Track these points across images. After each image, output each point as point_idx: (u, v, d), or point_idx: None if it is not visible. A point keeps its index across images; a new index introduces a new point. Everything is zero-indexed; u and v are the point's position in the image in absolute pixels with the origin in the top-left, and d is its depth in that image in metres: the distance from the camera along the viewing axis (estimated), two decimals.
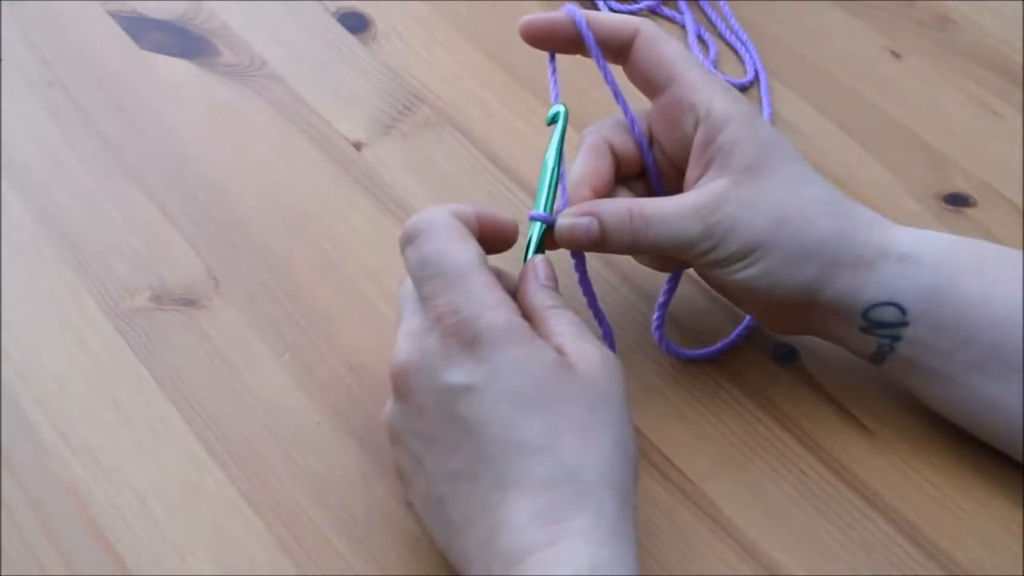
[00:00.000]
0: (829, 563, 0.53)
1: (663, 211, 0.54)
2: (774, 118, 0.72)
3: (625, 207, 0.54)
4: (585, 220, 0.54)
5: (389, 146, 0.70)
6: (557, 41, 0.57)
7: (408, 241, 0.51)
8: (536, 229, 0.54)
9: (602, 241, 0.54)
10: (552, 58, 0.58)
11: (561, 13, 0.56)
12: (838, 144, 0.71)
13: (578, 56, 0.57)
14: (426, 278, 0.49)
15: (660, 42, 0.56)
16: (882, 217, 0.56)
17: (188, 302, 0.61)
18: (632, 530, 0.47)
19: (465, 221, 0.51)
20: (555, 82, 0.58)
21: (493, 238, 0.53)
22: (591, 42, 0.56)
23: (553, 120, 0.57)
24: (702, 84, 0.55)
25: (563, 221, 0.54)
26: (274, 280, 0.63)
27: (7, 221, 0.64)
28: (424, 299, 0.49)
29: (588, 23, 0.56)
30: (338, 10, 0.77)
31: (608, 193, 0.57)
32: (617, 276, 0.63)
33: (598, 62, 0.56)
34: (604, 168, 0.57)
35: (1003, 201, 0.69)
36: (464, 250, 0.50)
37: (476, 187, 0.68)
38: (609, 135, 0.57)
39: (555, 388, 0.47)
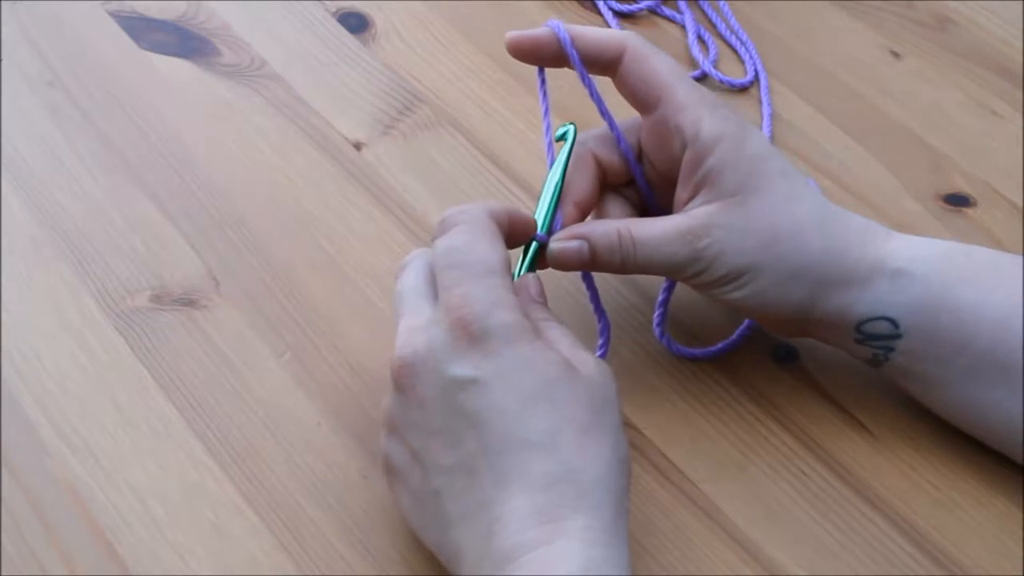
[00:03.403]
0: (829, 563, 0.53)
1: (651, 234, 0.54)
2: (774, 118, 0.72)
3: (615, 230, 0.55)
4: (575, 244, 0.55)
5: (389, 146, 0.70)
6: (543, 57, 0.57)
7: (443, 230, 0.51)
8: (531, 247, 0.55)
9: (592, 263, 0.55)
10: (541, 71, 0.58)
11: (545, 30, 0.56)
12: (838, 144, 0.71)
13: None
14: (449, 266, 0.50)
15: (647, 58, 0.56)
16: (877, 226, 0.56)
17: (188, 302, 0.61)
18: (626, 533, 0.47)
19: (498, 221, 0.52)
20: (544, 93, 0.58)
21: (515, 232, 0.54)
22: (575, 60, 0.56)
23: (561, 138, 0.57)
24: (690, 104, 0.55)
25: (554, 245, 0.55)
26: (274, 280, 0.63)
27: (7, 221, 0.64)
28: (442, 287, 0.50)
29: (573, 40, 0.56)
30: (338, 10, 0.77)
31: (593, 206, 0.58)
32: (617, 277, 0.63)
33: (583, 79, 0.56)
34: (587, 182, 0.57)
35: (1003, 201, 0.69)
36: (492, 250, 0.50)
37: (476, 187, 0.68)
38: (596, 147, 0.58)
39: (562, 386, 0.48)
